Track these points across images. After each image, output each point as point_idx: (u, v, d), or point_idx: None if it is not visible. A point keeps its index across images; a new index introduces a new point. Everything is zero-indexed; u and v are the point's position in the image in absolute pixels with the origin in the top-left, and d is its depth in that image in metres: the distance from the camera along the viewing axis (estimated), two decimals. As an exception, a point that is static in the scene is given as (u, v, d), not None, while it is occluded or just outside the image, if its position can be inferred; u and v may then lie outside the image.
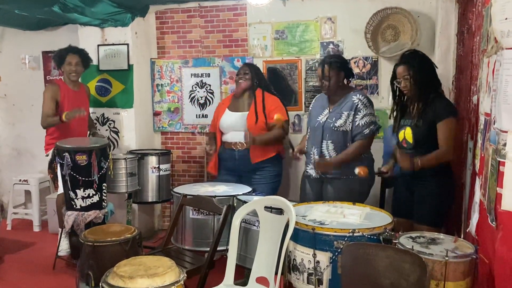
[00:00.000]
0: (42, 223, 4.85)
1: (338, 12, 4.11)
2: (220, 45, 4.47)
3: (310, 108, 3.49)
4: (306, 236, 2.29)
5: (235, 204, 2.96)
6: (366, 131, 3.14)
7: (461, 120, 2.95)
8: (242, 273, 2.75)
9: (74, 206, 3.45)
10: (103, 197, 3.56)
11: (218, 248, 2.82)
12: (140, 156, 4.10)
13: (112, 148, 4.42)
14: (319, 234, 2.25)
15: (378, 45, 3.94)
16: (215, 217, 3.10)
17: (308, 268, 2.28)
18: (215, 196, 3.13)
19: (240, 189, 3.42)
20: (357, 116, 3.14)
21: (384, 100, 4.04)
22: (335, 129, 3.16)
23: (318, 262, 2.25)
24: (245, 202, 2.75)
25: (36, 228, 4.81)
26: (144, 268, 2.08)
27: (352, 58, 4.06)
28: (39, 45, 5.08)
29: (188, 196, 3.17)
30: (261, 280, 2.40)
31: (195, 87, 4.58)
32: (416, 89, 2.78)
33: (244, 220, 2.70)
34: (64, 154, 3.38)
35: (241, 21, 4.38)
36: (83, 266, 2.61)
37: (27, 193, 4.92)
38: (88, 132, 4.21)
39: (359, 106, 3.15)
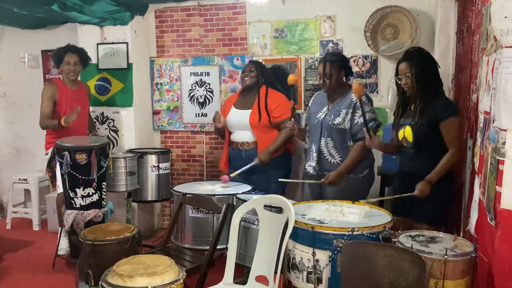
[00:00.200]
0: (41, 222, 4.85)
1: (337, 11, 4.11)
2: (220, 43, 4.47)
3: (309, 106, 3.49)
4: (305, 234, 2.29)
5: (234, 203, 2.96)
6: (365, 129, 3.14)
7: (460, 119, 2.94)
8: (242, 272, 2.75)
9: (74, 205, 3.45)
10: (103, 196, 3.56)
11: (217, 247, 2.82)
12: (139, 155, 4.10)
13: (111, 147, 4.41)
14: (318, 232, 2.25)
15: (378, 44, 3.94)
16: (215, 215, 3.11)
17: (308, 267, 2.28)
18: (214, 195, 3.13)
19: (239, 188, 3.42)
20: (356, 114, 3.14)
21: (383, 99, 4.04)
22: (334, 126, 3.16)
23: (317, 260, 2.25)
24: (244, 200, 2.75)
25: (35, 227, 4.82)
26: (143, 267, 2.08)
27: (352, 57, 4.05)
28: (38, 44, 5.07)
29: (187, 195, 3.17)
30: (260, 278, 2.40)
31: (195, 86, 4.58)
32: (417, 87, 2.76)
33: (243, 219, 2.70)
34: (64, 153, 3.38)
35: (240, 19, 4.38)
36: (82, 265, 2.61)
37: (27, 192, 4.92)
38: (88, 132, 4.21)
39: (357, 104, 3.14)
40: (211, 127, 4.50)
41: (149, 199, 4.19)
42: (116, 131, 4.53)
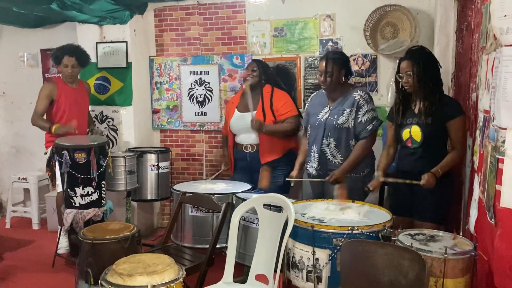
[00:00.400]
0: (41, 221, 4.85)
1: (337, 10, 4.10)
2: (219, 42, 4.47)
3: (307, 106, 3.46)
4: (305, 233, 2.29)
5: (234, 202, 2.96)
6: (369, 127, 3.14)
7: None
8: (241, 271, 2.75)
9: (73, 204, 3.45)
10: (102, 195, 3.56)
11: (217, 246, 2.82)
12: (139, 154, 4.10)
13: (111, 146, 4.41)
14: (318, 231, 2.25)
15: (377, 43, 3.94)
16: (214, 214, 3.11)
17: (307, 266, 2.29)
18: (214, 194, 3.13)
19: (239, 187, 3.42)
20: (359, 112, 3.14)
21: (383, 98, 4.04)
22: (338, 126, 3.15)
23: (317, 259, 2.26)
24: (244, 199, 2.75)
25: (35, 226, 4.82)
26: (143, 266, 2.08)
27: (351, 56, 4.04)
28: (38, 43, 5.07)
29: (187, 194, 3.17)
30: (260, 277, 2.40)
31: (194, 85, 4.58)
32: (418, 86, 2.75)
33: (243, 218, 2.70)
34: (63, 152, 3.38)
35: (240, 18, 4.37)
36: (82, 264, 2.60)
37: (26, 191, 4.92)
38: (88, 130, 4.20)
39: (360, 102, 3.14)
40: (211, 126, 4.50)
41: (149, 198, 4.19)
42: (115, 130, 4.53)
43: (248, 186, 3.45)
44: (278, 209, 2.49)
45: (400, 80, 2.82)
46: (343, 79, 3.27)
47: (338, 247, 2.20)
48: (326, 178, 3.14)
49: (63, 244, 3.84)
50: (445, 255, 1.94)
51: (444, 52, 3.59)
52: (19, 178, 4.84)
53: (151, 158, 4.12)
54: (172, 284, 2.02)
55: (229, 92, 4.43)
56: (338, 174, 3.11)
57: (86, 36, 4.45)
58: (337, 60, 3.18)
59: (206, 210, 3.17)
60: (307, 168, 3.33)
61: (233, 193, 3.13)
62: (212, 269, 2.74)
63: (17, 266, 3.77)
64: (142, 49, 4.57)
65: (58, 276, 3.56)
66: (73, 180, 3.42)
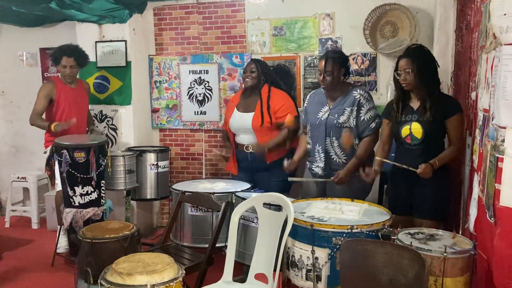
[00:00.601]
0: (40, 220, 4.85)
1: (336, 8, 4.10)
2: (218, 41, 4.46)
3: (305, 105, 3.45)
4: (304, 232, 2.29)
5: (233, 201, 2.96)
6: (373, 125, 3.15)
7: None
8: (241, 270, 2.75)
9: (73, 203, 3.45)
10: (102, 194, 3.56)
11: (217, 245, 2.82)
12: (138, 153, 4.09)
13: (110, 145, 4.41)
14: (317, 230, 2.25)
15: (377, 42, 3.94)
16: (214, 213, 3.10)
17: (307, 265, 2.29)
18: (213, 193, 3.13)
19: (238, 186, 3.42)
20: (361, 111, 3.15)
21: (382, 97, 4.04)
22: (339, 125, 3.15)
23: (316, 258, 2.26)
24: (243, 199, 2.75)
25: (34, 225, 4.82)
26: (142, 265, 2.08)
27: (351, 55, 4.05)
28: (37, 42, 5.06)
29: (186, 193, 3.17)
30: (259, 276, 2.40)
31: (194, 84, 4.57)
32: (417, 84, 2.77)
33: (242, 217, 2.70)
34: (63, 151, 3.37)
35: (239, 17, 4.37)
36: (81, 263, 2.60)
37: (26, 190, 4.91)
38: (87, 129, 4.20)
39: (361, 101, 3.15)
40: (210, 125, 4.50)
41: (148, 197, 4.19)
42: (114, 129, 4.52)
43: (248, 185, 3.44)
44: (278, 208, 2.48)
45: (398, 78, 2.84)
46: (342, 78, 3.27)
47: (337, 246, 2.20)
48: (332, 178, 3.14)
49: (63, 243, 3.84)
50: (445, 254, 1.95)
51: (444, 51, 3.59)
52: (18, 178, 4.84)
53: (151, 157, 4.12)
54: (172, 283, 2.02)
55: (229, 91, 4.43)
56: (342, 174, 3.11)
57: (85, 35, 4.44)
58: (336, 59, 3.18)
59: (205, 209, 3.17)
60: (313, 168, 3.31)
61: (232, 192, 3.13)
62: (212, 268, 2.74)
63: (17, 265, 3.77)
64: (142, 48, 4.57)
65: (58, 275, 3.56)
66: (73, 179, 3.41)
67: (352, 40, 4.05)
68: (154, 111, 4.72)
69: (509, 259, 1.61)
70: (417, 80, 2.76)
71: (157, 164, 4.11)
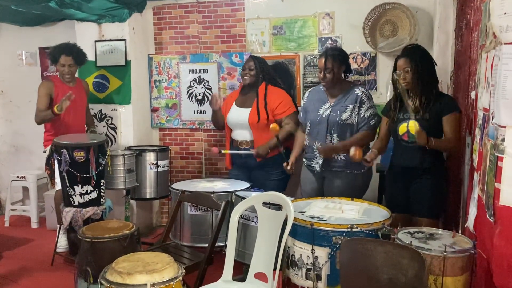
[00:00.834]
0: (40, 219, 4.85)
1: (336, 8, 4.10)
2: (218, 40, 4.46)
3: (304, 102, 3.45)
4: (304, 231, 2.29)
5: (233, 200, 2.96)
6: (372, 121, 3.17)
7: (462, 116, 2.95)
8: (241, 269, 2.75)
9: (72, 203, 3.45)
10: (101, 194, 3.55)
11: (216, 244, 2.82)
12: (138, 153, 4.09)
13: (110, 144, 4.41)
14: (317, 229, 2.25)
15: (376, 41, 3.93)
16: (214, 213, 3.10)
17: (307, 264, 2.29)
18: (213, 192, 3.13)
19: (238, 185, 3.42)
20: (361, 108, 3.17)
21: (382, 96, 4.04)
22: (341, 122, 3.16)
23: (316, 257, 2.26)
24: (243, 198, 2.75)
25: (34, 225, 4.81)
26: (142, 264, 2.08)
27: (350, 54, 4.03)
28: (36, 41, 5.06)
29: (186, 192, 3.16)
30: (259, 275, 2.40)
31: (193, 83, 4.57)
32: (415, 82, 2.78)
33: (242, 216, 2.70)
34: (62, 151, 3.37)
35: (239, 16, 4.37)
36: (81, 263, 2.60)
37: (25, 189, 4.91)
38: (86, 128, 4.20)
39: (363, 98, 3.17)
40: (210, 124, 4.49)
41: (148, 196, 4.19)
42: (114, 129, 4.52)
43: (247, 185, 3.44)
44: (278, 207, 2.49)
45: (397, 77, 2.85)
46: (343, 76, 3.27)
47: (337, 245, 2.20)
48: (317, 146, 3.18)
49: (62, 243, 3.84)
50: (445, 253, 1.95)
51: (444, 50, 3.59)
52: (18, 177, 4.84)
53: (150, 157, 4.11)
54: (172, 283, 2.02)
55: (228, 90, 4.42)
56: (328, 149, 3.12)
57: (84, 34, 4.44)
58: (336, 57, 3.18)
59: (205, 209, 3.17)
60: (312, 165, 3.31)
61: (232, 192, 3.13)
62: (211, 268, 2.75)
63: (16, 264, 3.77)
64: (141, 47, 4.56)
65: (57, 275, 3.56)
66: (72, 178, 3.41)
67: (351, 39, 4.05)
68: (154, 110, 4.72)
69: (509, 258, 1.61)
70: (415, 79, 2.78)
71: (156, 164, 4.11)
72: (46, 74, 5.10)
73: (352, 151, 2.89)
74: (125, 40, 4.37)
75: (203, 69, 4.52)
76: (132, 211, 4.35)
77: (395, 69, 2.89)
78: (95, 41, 4.43)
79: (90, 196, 3.47)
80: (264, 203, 2.52)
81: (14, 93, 5.25)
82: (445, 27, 3.59)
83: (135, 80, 4.48)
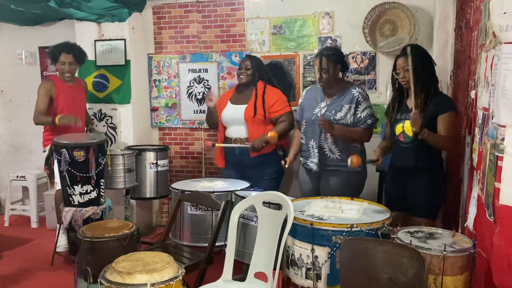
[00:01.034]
0: (39, 219, 4.85)
1: (336, 7, 4.10)
2: (218, 40, 4.46)
3: (301, 101, 3.45)
4: (304, 231, 2.29)
5: (233, 200, 2.96)
6: (369, 121, 3.18)
7: (459, 115, 2.96)
8: (241, 269, 2.75)
9: (72, 202, 3.45)
10: (101, 193, 3.55)
11: (216, 244, 2.82)
12: (137, 152, 4.09)
13: (109, 144, 4.41)
14: (317, 229, 2.25)
15: (376, 40, 3.93)
16: (213, 212, 3.10)
17: (307, 263, 2.29)
18: (213, 192, 3.12)
19: (238, 185, 3.42)
20: (358, 109, 3.16)
21: (382, 95, 4.04)
22: (335, 122, 3.16)
23: (316, 257, 2.26)
24: (243, 197, 2.75)
25: (34, 224, 4.82)
26: (142, 264, 2.08)
27: (350, 53, 4.05)
28: (36, 41, 5.05)
29: (186, 192, 3.16)
30: (259, 275, 2.40)
31: (193, 83, 4.57)
32: (414, 82, 2.78)
33: (242, 216, 2.70)
34: (62, 150, 3.37)
35: (238, 16, 4.37)
36: (81, 262, 2.60)
37: (25, 189, 4.91)
38: (86, 128, 4.19)
39: (359, 99, 3.16)
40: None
41: (148, 196, 4.19)
42: (114, 128, 4.52)
43: (247, 184, 3.44)
44: (277, 206, 2.49)
45: (396, 77, 2.86)
46: (340, 75, 3.28)
47: (337, 245, 2.20)
48: (319, 122, 3.11)
49: (62, 242, 3.84)
50: (444, 252, 1.95)
51: (443, 49, 3.59)
52: (17, 176, 4.84)
53: (150, 156, 4.11)
54: (172, 282, 2.02)
55: (228, 90, 4.42)
56: (326, 123, 3.07)
57: (84, 33, 4.44)
58: (331, 56, 3.19)
59: (205, 208, 3.17)
60: (308, 164, 3.32)
61: (232, 191, 3.13)
62: (211, 267, 2.74)
63: (16, 264, 3.77)
64: (141, 46, 4.56)
65: (57, 274, 3.56)
66: (72, 178, 3.41)
67: (351, 38, 4.05)
68: (154, 110, 4.72)
69: (508, 257, 1.61)
70: (414, 78, 2.77)
71: (156, 163, 4.11)
72: (46, 73, 5.10)
73: (349, 161, 2.89)
74: (124, 39, 4.37)
75: (203, 69, 4.52)
76: (132, 211, 4.35)
77: (394, 69, 2.90)
78: (95, 40, 4.43)
79: (90, 196, 3.47)
80: (264, 203, 2.52)
81: (14, 93, 5.25)
82: (445, 27, 3.59)
83: (135, 80, 4.48)
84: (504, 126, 1.62)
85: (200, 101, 4.57)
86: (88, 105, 4.36)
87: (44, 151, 3.95)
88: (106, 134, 4.46)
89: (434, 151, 2.83)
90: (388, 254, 1.95)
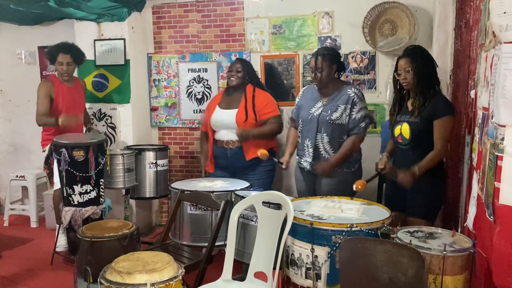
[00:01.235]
0: (39, 219, 4.85)
1: (335, 7, 4.10)
2: (217, 39, 4.46)
3: (298, 99, 3.46)
4: (304, 231, 2.29)
5: (233, 199, 2.96)
6: (362, 124, 3.18)
7: (458, 115, 2.95)
8: (240, 268, 2.75)
9: (72, 202, 3.45)
10: (101, 193, 3.55)
11: (216, 243, 2.82)
12: (137, 152, 4.09)
13: (109, 143, 4.41)
14: (317, 229, 2.25)
15: (376, 40, 3.93)
16: (213, 212, 3.10)
17: (306, 263, 2.29)
18: (213, 192, 3.12)
19: (238, 185, 3.42)
20: (353, 109, 3.16)
21: (381, 95, 4.04)
22: (331, 122, 3.17)
23: (316, 256, 2.26)
24: (243, 197, 2.75)
25: (33, 224, 4.81)
26: (142, 264, 2.08)
27: (350, 53, 4.05)
28: (35, 40, 5.05)
29: (185, 192, 3.16)
30: (259, 275, 2.40)
31: (192, 82, 4.57)
32: (416, 82, 2.78)
33: (242, 215, 2.70)
34: (61, 150, 3.37)
35: (238, 15, 4.37)
36: (81, 262, 2.60)
37: (24, 189, 4.91)
38: (84, 128, 4.19)
39: (355, 99, 3.17)
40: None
41: (147, 196, 4.19)
42: (113, 128, 4.52)
43: (247, 184, 3.44)
44: (277, 206, 2.49)
45: (398, 78, 2.85)
46: (336, 75, 3.28)
47: (337, 245, 2.20)
48: (316, 171, 3.19)
49: (62, 242, 3.84)
50: (444, 252, 1.95)
51: (443, 49, 3.59)
52: (17, 176, 4.84)
53: (150, 156, 4.11)
54: (171, 282, 2.02)
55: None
56: (326, 168, 3.14)
57: (84, 33, 4.43)
58: (326, 56, 3.19)
59: (204, 208, 3.17)
60: (301, 162, 3.33)
61: (232, 191, 3.13)
62: (211, 267, 2.74)
63: (16, 264, 3.77)
64: (140, 46, 4.56)
65: (57, 274, 3.56)
66: (72, 178, 3.41)
67: (351, 38, 4.05)
68: (153, 109, 4.72)
69: (508, 257, 1.62)
70: (415, 79, 2.77)
71: (156, 163, 4.11)
72: (45, 73, 5.09)
73: (354, 187, 2.89)
74: (124, 39, 4.37)
75: (203, 68, 4.51)
76: (132, 211, 4.35)
77: (396, 69, 2.89)
78: (94, 40, 4.42)
79: (90, 196, 3.47)
80: (263, 202, 2.52)
81: (13, 93, 5.24)
82: (444, 26, 3.59)
83: (135, 79, 4.48)
84: (504, 126, 1.62)
85: (199, 101, 4.57)
86: (87, 105, 4.35)
87: (44, 151, 3.95)
88: (105, 133, 4.46)
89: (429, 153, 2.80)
90: (388, 254, 1.95)
